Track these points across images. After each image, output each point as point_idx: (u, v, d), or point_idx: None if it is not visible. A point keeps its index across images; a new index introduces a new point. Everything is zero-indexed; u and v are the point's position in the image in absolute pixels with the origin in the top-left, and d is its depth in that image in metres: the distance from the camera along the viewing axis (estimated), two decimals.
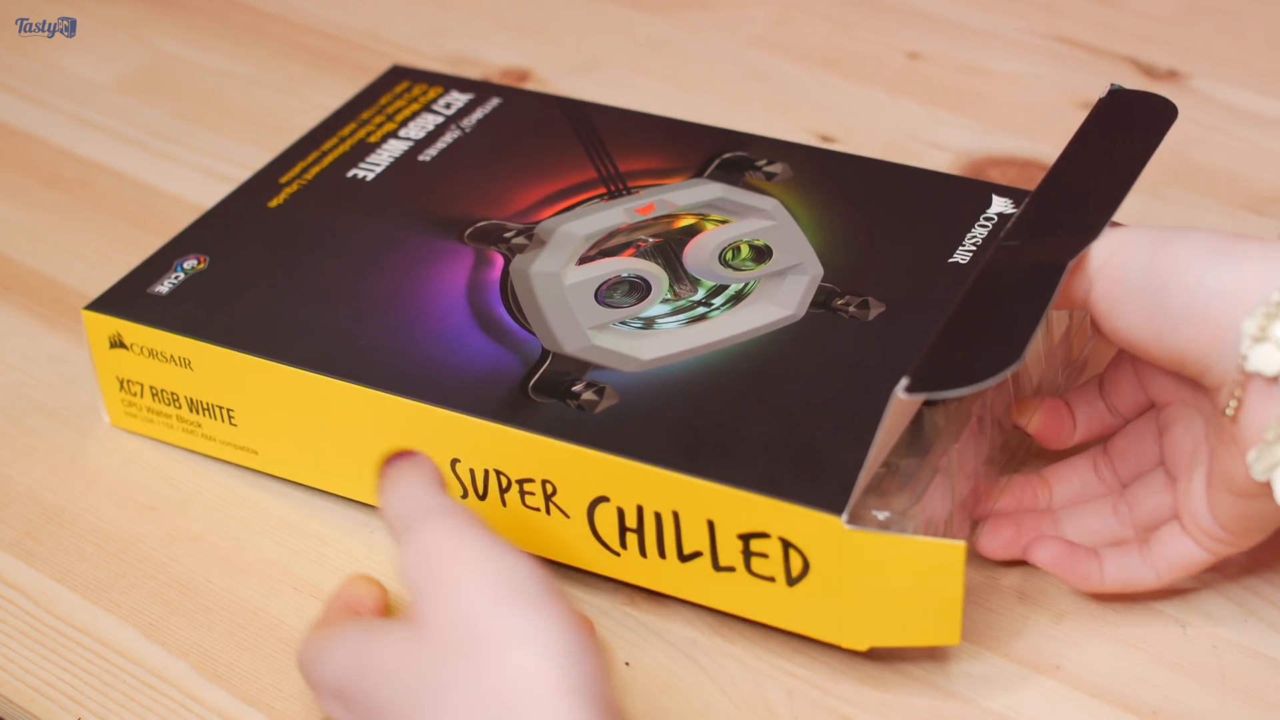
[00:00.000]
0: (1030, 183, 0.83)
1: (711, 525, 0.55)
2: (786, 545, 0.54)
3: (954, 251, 0.62)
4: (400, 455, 0.54)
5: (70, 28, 0.96)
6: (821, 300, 0.61)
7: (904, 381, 0.50)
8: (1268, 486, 0.52)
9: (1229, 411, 0.52)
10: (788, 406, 0.57)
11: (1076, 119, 0.89)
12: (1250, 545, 0.56)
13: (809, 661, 0.58)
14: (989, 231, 0.63)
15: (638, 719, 0.56)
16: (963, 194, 0.65)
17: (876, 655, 0.58)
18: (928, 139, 0.87)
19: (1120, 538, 0.59)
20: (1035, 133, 0.87)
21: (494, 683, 0.46)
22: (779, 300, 0.61)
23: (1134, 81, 0.92)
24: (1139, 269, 0.53)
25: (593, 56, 0.94)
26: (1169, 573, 0.57)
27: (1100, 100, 0.62)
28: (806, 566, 0.54)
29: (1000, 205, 0.64)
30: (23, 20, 0.97)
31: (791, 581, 0.54)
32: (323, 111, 0.76)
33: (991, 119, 0.88)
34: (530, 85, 0.91)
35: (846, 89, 0.91)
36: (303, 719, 0.56)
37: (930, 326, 0.55)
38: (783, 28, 0.97)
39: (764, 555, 0.54)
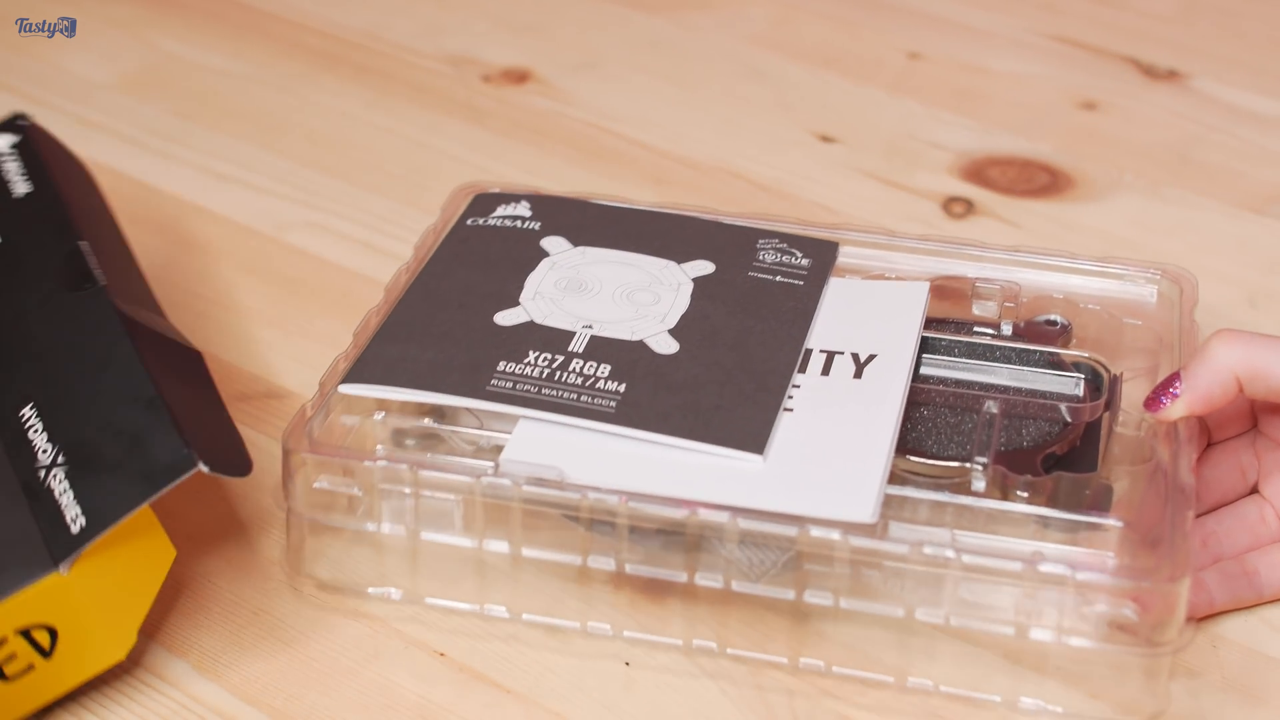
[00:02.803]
0: (1030, 183, 0.83)
1: None
2: None
3: None
4: None
5: (70, 28, 0.96)
6: None
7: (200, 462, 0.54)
8: None
9: None
10: None
11: (1077, 119, 0.89)
12: None
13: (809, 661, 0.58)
14: None
15: (639, 719, 0.56)
16: None
17: (877, 656, 0.58)
18: (928, 139, 0.87)
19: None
20: (1035, 132, 0.87)
21: None
22: None
23: (1134, 81, 0.92)
24: None
25: (593, 56, 0.94)
26: (1274, 594, 0.59)
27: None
28: None
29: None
30: (23, 20, 0.97)
31: None
32: (323, 110, 0.76)
33: (991, 119, 0.88)
34: (530, 85, 0.91)
35: (846, 89, 0.91)
36: (303, 718, 0.56)
37: None
38: (782, 27, 0.97)
39: None
